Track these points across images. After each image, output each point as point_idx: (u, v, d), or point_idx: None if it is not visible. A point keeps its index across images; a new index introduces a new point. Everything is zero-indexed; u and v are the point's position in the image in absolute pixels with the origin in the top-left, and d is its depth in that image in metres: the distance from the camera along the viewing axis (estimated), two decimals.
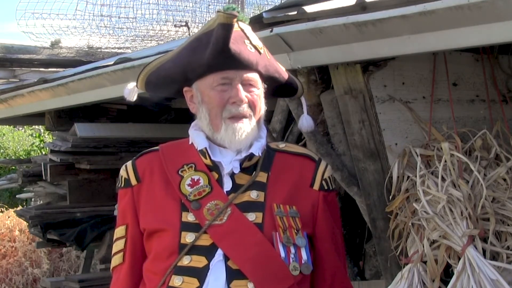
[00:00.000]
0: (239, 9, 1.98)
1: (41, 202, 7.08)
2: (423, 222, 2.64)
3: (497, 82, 3.09)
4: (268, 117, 3.57)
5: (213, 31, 1.89)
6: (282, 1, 3.45)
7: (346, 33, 2.47)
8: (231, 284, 1.81)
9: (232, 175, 1.93)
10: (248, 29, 1.97)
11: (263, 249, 1.84)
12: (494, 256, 2.56)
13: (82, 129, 5.29)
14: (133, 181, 1.99)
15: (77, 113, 5.48)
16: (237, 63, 1.90)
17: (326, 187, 1.99)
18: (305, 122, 2.17)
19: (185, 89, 2.00)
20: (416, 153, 2.76)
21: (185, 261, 1.85)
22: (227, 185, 1.93)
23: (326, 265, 1.98)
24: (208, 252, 1.85)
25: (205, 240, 1.86)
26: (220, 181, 1.93)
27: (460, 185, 2.61)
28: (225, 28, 1.86)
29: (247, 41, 1.93)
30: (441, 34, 2.25)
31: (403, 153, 2.81)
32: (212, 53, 1.88)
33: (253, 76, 1.93)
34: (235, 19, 1.88)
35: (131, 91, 2.10)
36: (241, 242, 1.84)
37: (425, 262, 2.65)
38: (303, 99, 2.19)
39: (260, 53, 1.95)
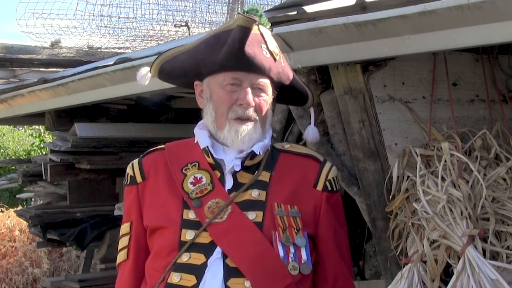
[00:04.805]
0: (262, 12, 1.99)
1: (41, 202, 7.08)
2: (423, 222, 2.64)
3: (497, 82, 3.09)
4: None
5: (232, 31, 1.89)
6: (282, 1, 3.45)
7: (346, 33, 2.47)
8: (228, 282, 1.82)
9: (234, 174, 1.94)
10: (267, 33, 1.98)
11: (261, 248, 1.85)
12: (494, 256, 2.56)
13: (82, 129, 5.28)
14: (139, 179, 2.02)
15: (77, 113, 5.48)
16: (249, 66, 1.90)
17: (329, 188, 1.99)
18: (311, 133, 2.18)
19: (196, 83, 2.02)
20: (416, 153, 2.76)
21: (184, 258, 1.86)
22: (229, 183, 1.94)
23: (328, 265, 1.98)
24: (207, 249, 1.86)
25: (204, 238, 1.87)
26: (222, 180, 1.94)
27: (460, 185, 2.61)
28: (243, 31, 1.88)
29: (264, 46, 1.94)
30: (441, 34, 2.25)
31: (403, 153, 2.81)
32: (227, 53, 1.89)
33: (264, 81, 1.94)
34: (254, 24, 1.89)
35: (144, 76, 2.11)
36: (239, 241, 1.85)
37: (425, 262, 2.65)
38: (311, 110, 2.19)
39: (275, 59, 1.96)
